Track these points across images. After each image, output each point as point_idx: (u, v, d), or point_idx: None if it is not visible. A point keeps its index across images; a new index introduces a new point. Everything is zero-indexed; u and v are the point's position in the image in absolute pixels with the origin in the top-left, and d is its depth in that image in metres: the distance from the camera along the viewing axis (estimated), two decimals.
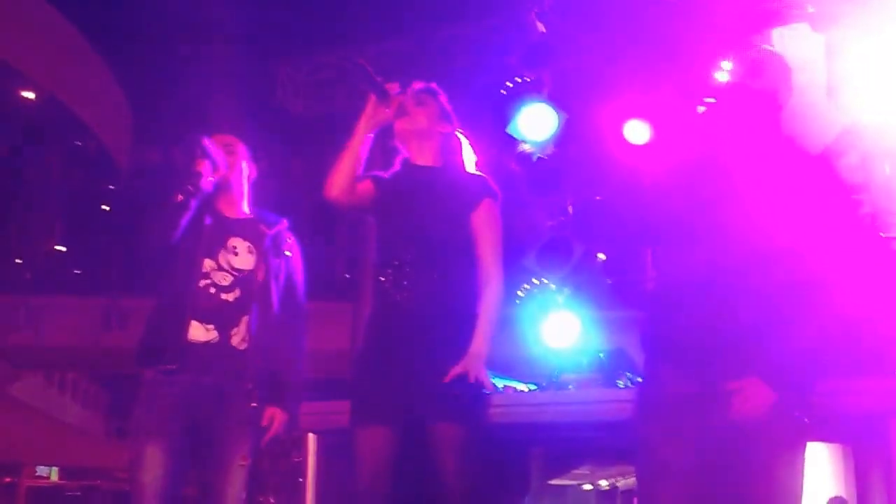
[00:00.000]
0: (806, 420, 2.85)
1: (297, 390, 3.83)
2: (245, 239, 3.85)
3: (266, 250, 3.85)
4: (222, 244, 3.82)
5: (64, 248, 15.44)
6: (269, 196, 4.08)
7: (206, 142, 3.80)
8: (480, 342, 3.38)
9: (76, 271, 14.88)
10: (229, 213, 3.93)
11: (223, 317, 3.72)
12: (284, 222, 3.98)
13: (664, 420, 2.91)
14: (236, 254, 3.82)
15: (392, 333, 3.43)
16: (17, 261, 14.67)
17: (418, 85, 3.68)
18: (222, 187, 3.90)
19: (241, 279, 3.78)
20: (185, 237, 3.77)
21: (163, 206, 3.77)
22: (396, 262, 3.45)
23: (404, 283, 3.42)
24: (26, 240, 15.00)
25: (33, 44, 15.98)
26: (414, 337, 3.37)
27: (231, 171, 3.91)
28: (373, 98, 3.51)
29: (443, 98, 3.70)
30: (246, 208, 3.98)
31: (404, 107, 3.56)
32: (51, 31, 16.30)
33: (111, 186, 16.83)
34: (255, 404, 3.69)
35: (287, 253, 3.90)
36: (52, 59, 16.42)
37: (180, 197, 3.73)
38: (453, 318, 3.41)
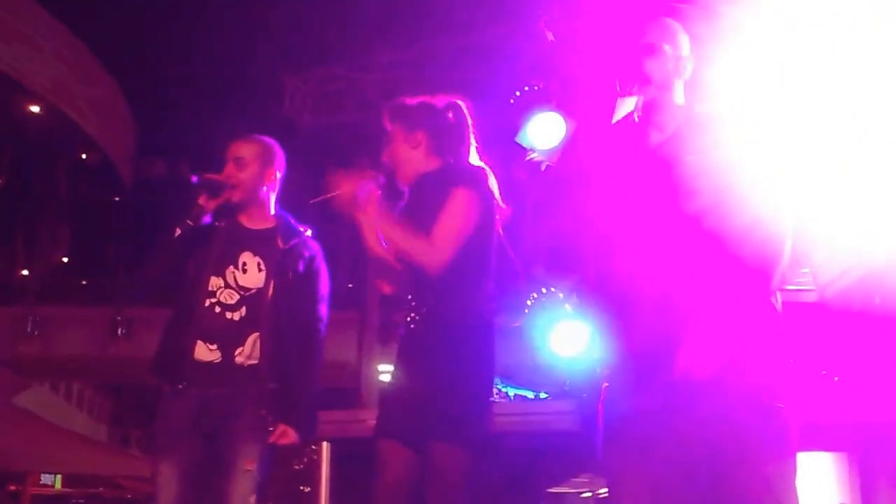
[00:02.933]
0: (781, 406, 2.61)
1: (307, 406, 3.76)
2: (256, 254, 3.79)
3: (277, 268, 3.78)
4: (233, 260, 3.78)
5: (69, 260, 15.47)
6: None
7: (198, 177, 3.75)
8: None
9: (82, 282, 14.91)
10: (248, 223, 3.87)
11: (227, 336, 3.69)
12: (304, 234, 3.89)
13: (629, 448, 2.73)
14: (245, 271, 3.77)
15: (404, 354, 3.51)
16: (24, 272, 14.72)
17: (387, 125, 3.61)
18: (236, 203, 3.84)
19: (248, 297, 3.74)
20: (196, 253, 3.77)
21: (163, 242, 3.76)
22: (403, 293, 3.54)
23: (411, 314, 3.48)
24: (33, 251, 15.05)
25: (40, 58, 16.08)
26: (415, 354, 3.44)
27: (240, 187, 3.81)
28: (361, 215, 3.46)
29: (402, 113, 3.61)
30: (269, 217, 3.90)
31: (386, 171, 3.54)
32: (57, 46, 16.41)
33: (116, 198, 16.88)
34: (264, 412, 3.64)
35: (303, 268, 3.80)
36: (58, 73, 16.52)
37: (178, 231, 3.73)
38: (452, 339, 3.40)
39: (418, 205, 3.51)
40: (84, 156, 17.38)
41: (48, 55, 16.39)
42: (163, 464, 3.64)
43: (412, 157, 3.56)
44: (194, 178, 3.76)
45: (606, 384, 2.86)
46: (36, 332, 13.57)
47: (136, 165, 17.79)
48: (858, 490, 5.49)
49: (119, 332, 13.40)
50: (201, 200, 3.74)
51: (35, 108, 16.98)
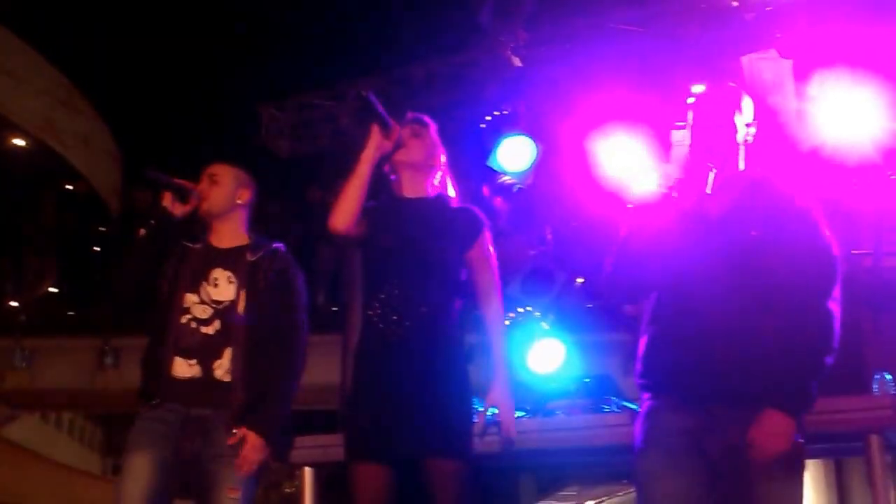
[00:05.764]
0: (802, 440, 2.94)
1: (276, 416, 3.69)
2: (226, 269, 3.82)
3: (247, 279, 3.79)
4: (205, 277, 3.80)
5: (57, 290, 15.47)
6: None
7: (165, 176, 3.79)
8: (501, 383, 3.48)
9: (70, 312, 14.91)
10: (218, 242, 3.92)
11: (204, 351, 3.70)
12: (274, 246, 3.91)
13: (665, 454, 3.00)
14: (216, 285, 3.78)
15: (384, 367, 3.43)
16: (12, 303, 14.71)
17: (411, 115, 3.73)
18: (207, 217, 3.91)
19: (221, 311, 3.75)
20: (167, 272, 3.81)
21: (130, 247, 3.79)
22: (383, 295, 3.48)
23: (393, 317, 3.44)
24: (20, 283, 15.04)
25: (23, 92, 16.11)
26: (406, 371, 3.38)
27: (210, 200, 3.89)
28: (376, 129, 3.53)
29: (433, 129, 3.75)
30: (240, 236, 3.95)
31: (402, 139, 3.59)
32: (40, 79, 16.44)
33: (102, 229, 16.90)
34: (235, 431, 3.63)
35: (274, 278, 3.81)
36: (42, 106, 16.54)
37: (142, 231, 3.78)
38: (444, 350, 3.43)
39: (432, 219, 3.59)
40: (70, 187, 17.38)
41: (31, 88, 16.41)
42: (136, 458, 3.59)
43: (426, 174, 3.69)
44: (152, 175, 3.79)
45: (648, 397, 3.14)
46: (24, 364, 13.55)
47: (122, 196, 17.80)
48: (836, 494, 5.57)
49: (107, 361, 13.38)
50: (166, 202, 3.79)
51: (20, 142, 17.00)
